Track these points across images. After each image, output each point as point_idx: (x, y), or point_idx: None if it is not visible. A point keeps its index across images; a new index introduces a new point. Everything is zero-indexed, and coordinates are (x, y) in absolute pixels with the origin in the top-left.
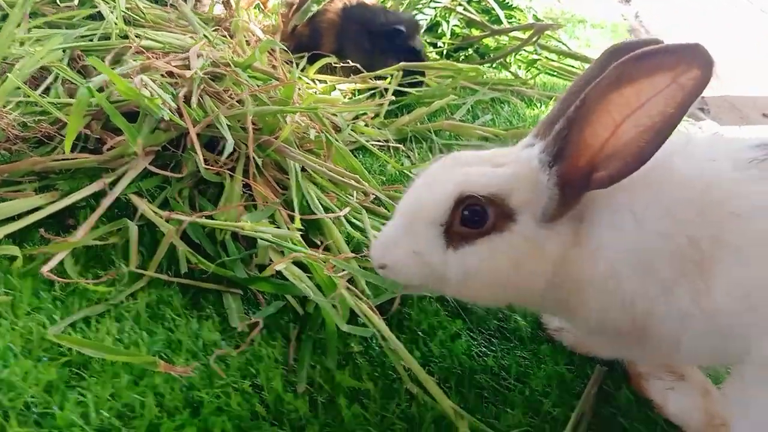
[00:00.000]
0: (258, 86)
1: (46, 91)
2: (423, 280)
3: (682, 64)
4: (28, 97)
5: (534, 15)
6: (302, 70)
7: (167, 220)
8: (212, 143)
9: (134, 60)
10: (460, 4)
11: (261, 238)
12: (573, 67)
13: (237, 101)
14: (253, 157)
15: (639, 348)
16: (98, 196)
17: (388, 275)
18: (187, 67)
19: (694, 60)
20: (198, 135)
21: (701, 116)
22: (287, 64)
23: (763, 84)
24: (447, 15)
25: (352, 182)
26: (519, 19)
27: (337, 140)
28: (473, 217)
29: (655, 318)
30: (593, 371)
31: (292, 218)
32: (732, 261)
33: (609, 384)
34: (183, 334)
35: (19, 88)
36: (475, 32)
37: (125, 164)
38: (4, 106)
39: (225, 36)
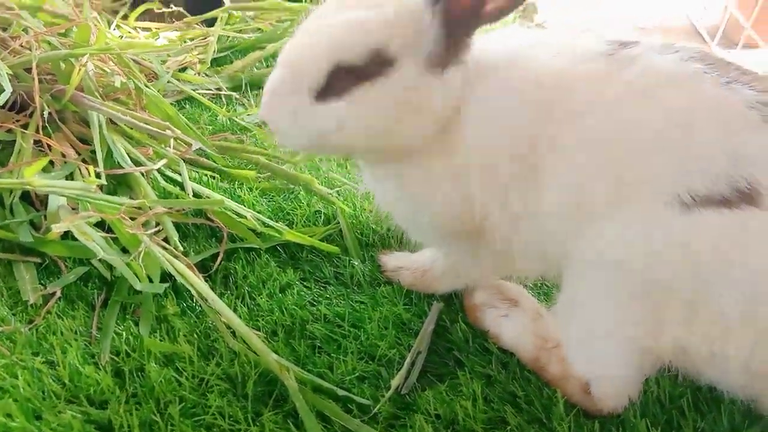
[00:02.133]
0: (48, 29)
1: None
2: (308, 141)
3: None
4: None
5: None
6: (124, 18)
7: None
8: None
9: None
10: None
11: (50, 193)
12: None
13: (29, 49)
14: (45, 110)
15: (475, 260)
16: None
17: (277, 139)
18: None
19: None
20: None
21: None
22: (109, 13)
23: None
24: None
25: (163, 132)
26: None
27: (148, 87)
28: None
29: (491, 220)
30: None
31: (97, 176)
32: (563, 161)
33: (445, 319)
34: None
35: None
36: None
37: None
38: None
39: None
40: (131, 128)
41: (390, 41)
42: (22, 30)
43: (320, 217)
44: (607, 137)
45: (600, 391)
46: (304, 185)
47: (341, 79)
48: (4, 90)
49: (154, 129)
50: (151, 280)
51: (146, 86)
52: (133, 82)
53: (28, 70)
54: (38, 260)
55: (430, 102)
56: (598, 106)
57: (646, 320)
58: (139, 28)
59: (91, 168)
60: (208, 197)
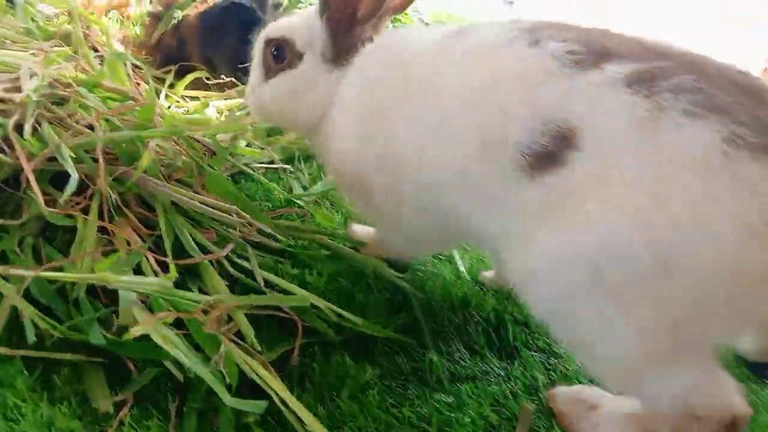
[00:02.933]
0: (110, 108)
1: None
2: (259, 110)
3: None
4: None
5: (419, 18)
6: (171, 87)
7: (4, 278)
8: (63, 178)
9: None
10: None
11: (123, 290)
12: None
13: (87, 127)
14: (108, 195)
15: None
16: None
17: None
18: (18, 90)
19: None
20: (42, 170)
21: None
22: (155, 81)
23: None
24: None
25: (231, 216)
26: (403, 21)
27: (211, 167)
28: (276, 55)
29: (363, 162)
30: (519, 409)
31: (162, 264)
32: (406, 110)
33: (539, 424)
34: (30, 425)
35: None
36: None
37: None
38: None
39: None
40: (194, 210)
41: (295, 38)
42: (78, 106)
43: (392, 303)
44: (437, 97)
45: (700, 407)
46: (374, 269)
47: (272, 70)
48: (72, 176)
49: (222, 213)
50: (229, 386)
51: (209, 166)
52: (195, 161)
53: (86, 150)
54: (104, 361)
55: (318, 87)
56: (434, 70)
57: (642, 315)
58: (187, 97)
59: (159, 257)
60: (283, 289)
